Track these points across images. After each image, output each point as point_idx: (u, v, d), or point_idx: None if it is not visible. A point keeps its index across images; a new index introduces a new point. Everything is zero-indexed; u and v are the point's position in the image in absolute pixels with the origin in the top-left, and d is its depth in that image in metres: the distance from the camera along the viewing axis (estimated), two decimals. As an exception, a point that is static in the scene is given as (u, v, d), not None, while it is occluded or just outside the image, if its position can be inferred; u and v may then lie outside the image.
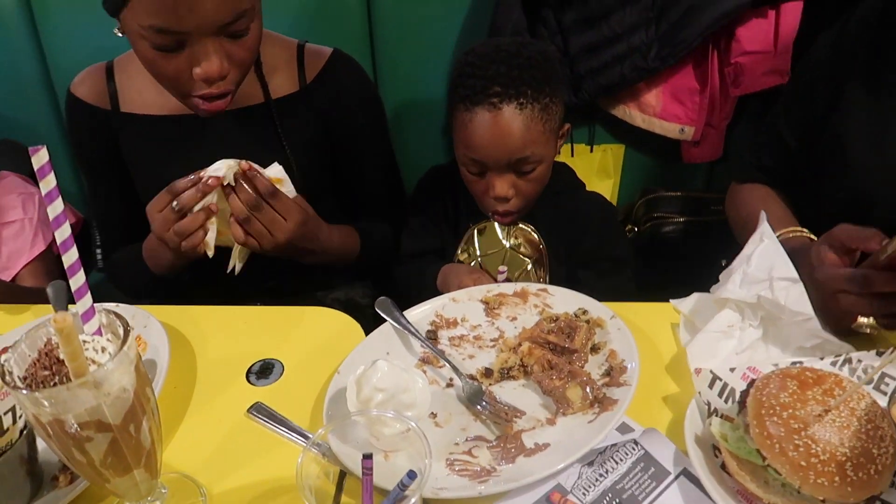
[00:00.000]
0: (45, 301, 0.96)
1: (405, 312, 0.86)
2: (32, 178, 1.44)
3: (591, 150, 1.38)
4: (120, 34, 0.92)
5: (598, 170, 1.41)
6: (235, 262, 0.96)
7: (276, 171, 0.90)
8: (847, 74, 0.92)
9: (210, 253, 0.91)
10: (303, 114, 1.07)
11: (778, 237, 0.91)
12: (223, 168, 0.86)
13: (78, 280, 0.55)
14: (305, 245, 0.96)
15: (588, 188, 1.18)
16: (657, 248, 1.29)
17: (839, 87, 0.93)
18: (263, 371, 0.82)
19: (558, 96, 0.98)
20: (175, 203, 0.87)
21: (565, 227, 1.06)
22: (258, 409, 0.76)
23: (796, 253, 0.81)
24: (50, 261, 1.34)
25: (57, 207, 0.54)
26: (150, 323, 0.86)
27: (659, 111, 1.30)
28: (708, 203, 1.31)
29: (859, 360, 0.72)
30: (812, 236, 0.90)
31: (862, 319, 0.76)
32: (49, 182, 0.53)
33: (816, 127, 0.96)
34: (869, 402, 0.60)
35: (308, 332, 0.88)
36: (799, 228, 0.91)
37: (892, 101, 0.88)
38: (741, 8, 1.14)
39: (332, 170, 1.15)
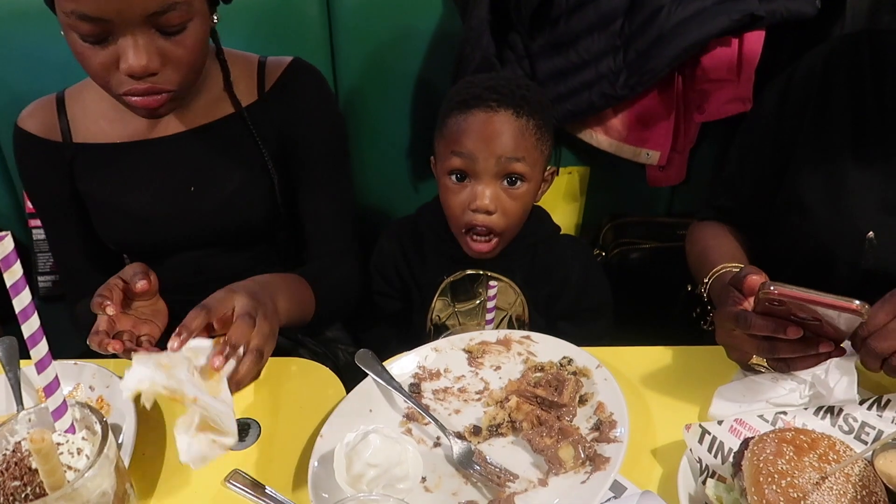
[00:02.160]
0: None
1: (386, 364, 0.83)
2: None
3: (558, 173, 1.37)
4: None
5: (565, 192, 1.40)
6: None
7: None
8: (795, 134, 0.95)
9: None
10: (264, 125, 1.02)
11: (719, 270, 0.94)
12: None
13: (48, 375, 0.51)
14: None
15: (555, 211, 1.17)
16: (625, 275, 1.30)
17: (789, 147, 0.95)
18: (239, 432, 0.78)
19: (549, 130, 0.97)
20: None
21: (544, 281, 1.04)
22: (237, 478, 0.72)
23: (723, 288, 0.83)
24: None
25: (24, 299, 0.49)
26: (113, 383, 0.80)
27: (625, 136, 1.30)
28: (673, 228, 1.32)
29: (840, 409, 0.74)
30: None
31: (755, 359, 0.78)
32: (14, 273, 0.48)
33: (770, 182, 0.99)
34: (862, 467, 0.61)
35: (284, 387, 0.84)
36: (738, 266, 0.92)
37: (841, 158, 0.90)
38: (707, 39, 1.15)
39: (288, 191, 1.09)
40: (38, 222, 1.40)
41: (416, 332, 1.10)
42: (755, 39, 1.20)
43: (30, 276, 1.44)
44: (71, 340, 1.12)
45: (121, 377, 0.81)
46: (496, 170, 0.94)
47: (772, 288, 0.68)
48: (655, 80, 1.19)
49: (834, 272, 0.91)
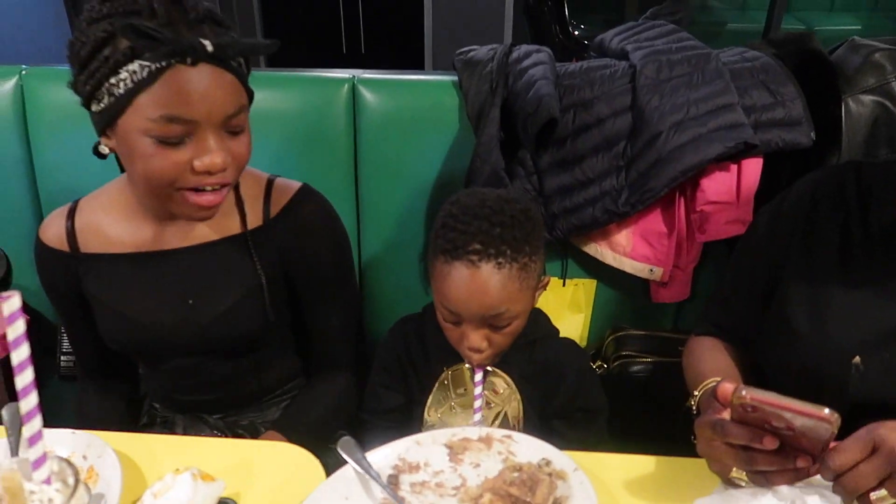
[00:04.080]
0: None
1: (367, 454, 0.85)
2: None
3: (564, 285, 1.41)
4: (106, 150, 0.94)
5: (570, 304, 1.44)
6: None
7: None
8: (785, 257, 0.98)
9: None
10: (266, 249, 1.07)
11: (708, 384, 0.94)
12: None
13: (33, 426, 0.55)
14: None
15: (560, 322, 1.20)
16: (625, 388, 1.30)
17: (779, 269, 0.99)
18: (217, 512, 0.79)
19: (538, 255, 0.99)
20: None
21: (539, 378, 1.06)
22: (208, 557, 0.73)
23: (707, 400, 0.84)
24: None
25: (22, 353, 0.54)
26: (106, 453, 0.84)
27: (629, 251, 1.35)
28: (676, 343, 1.33)
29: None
30: None
31: (735, 472, 0.77)
32: (17, 328, 0.54)
33: (761, 302, 1.01)
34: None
35: (266, 469, 0.86)
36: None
37: (827, 281, 0.93)
38: (703, 164, 1.21)
39: (293, 311, 1.16)
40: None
41: (415, 426, 1.11)
42: (753, 165, 1.26)
43: (54, 354, 1.51)
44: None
45: (115, 450, 0.85)
46: (481, 320, 0.97)
47: (744, 392, 0.70)
48: (655, 199, 1.25)
49: (822, 397, 0.91)
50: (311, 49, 3.76)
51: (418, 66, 3.00)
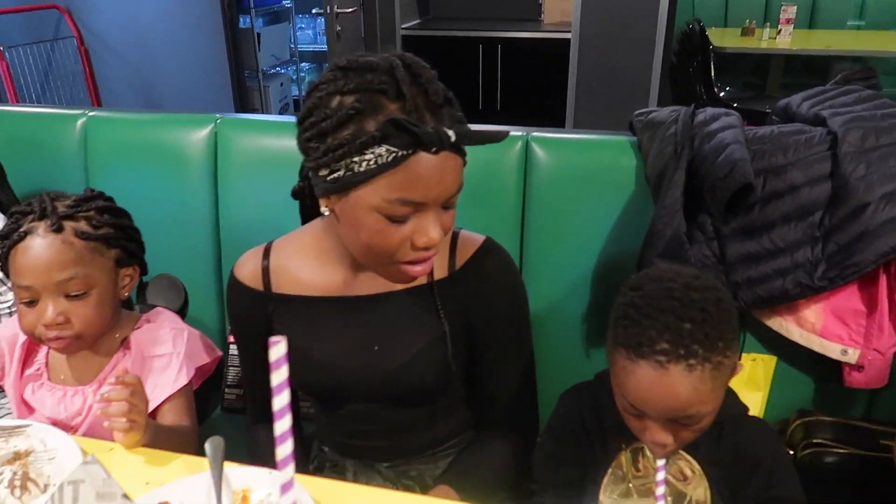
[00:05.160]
0: (184, 442, 0.99)
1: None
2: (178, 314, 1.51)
3: (740, 359, 1.32)
4: (327, 211, 0.96)
5: (747, 381, 1.34)
6: None
7: None
8: None
9: None
10: (450, 300, 1.08)
11: None
12: None
13: (286, 474, 0.55)
14: None
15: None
16: (819, 479, 1.18)
17: None
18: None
19: (733, 348, 0.91)
20: None
21: (730, 462, 0.98)
22: None
23: None
24: (189, 396, 1.35)
25: (283, 399, 0.54)
26: (302, 499, 0.84)
27: (819, 328, 1.24)
28: (876, 435, 1.20)
29: None
30: None
31: None
32: (281, 374, 0.54)
33: None
34: None
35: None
36: None
37: None
38: (921, 239, 1.11)
39: (467, 364, 1.14)
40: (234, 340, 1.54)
41: None
42: (976, 245, 1.14)
43: (219, 387, 1.57)
44: (242, 450, 1.20)
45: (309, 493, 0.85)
46: (667, 420, 0.91)
47: None
48: (859, 275, 1.15)
49: None
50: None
51: (558, 124, 3.01)
